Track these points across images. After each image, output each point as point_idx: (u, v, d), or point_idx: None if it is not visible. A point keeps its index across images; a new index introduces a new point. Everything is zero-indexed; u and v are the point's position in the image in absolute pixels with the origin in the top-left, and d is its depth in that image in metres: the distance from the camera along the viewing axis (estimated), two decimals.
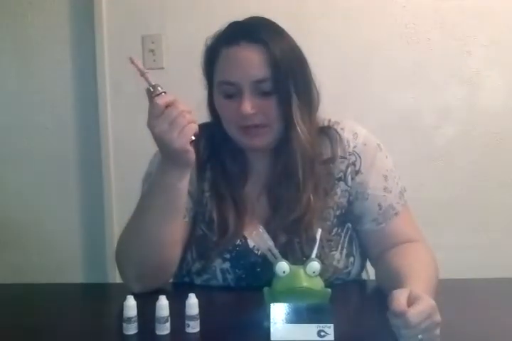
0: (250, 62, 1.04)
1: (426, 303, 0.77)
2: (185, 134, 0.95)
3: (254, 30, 1.06)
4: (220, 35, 1.10)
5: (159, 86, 0.96)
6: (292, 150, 1.07)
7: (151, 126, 0.95)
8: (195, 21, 1.98)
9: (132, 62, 0.97)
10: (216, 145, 1.14)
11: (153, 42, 2.03)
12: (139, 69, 0.97)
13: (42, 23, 2.10)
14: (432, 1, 1.98)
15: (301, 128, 1.06)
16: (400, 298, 0.77)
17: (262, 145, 1.09)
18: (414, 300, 0.77)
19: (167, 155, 0.99)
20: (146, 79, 0.97)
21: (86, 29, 2.05)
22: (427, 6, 1.98)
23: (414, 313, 0.75)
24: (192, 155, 0.99)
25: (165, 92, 0.96)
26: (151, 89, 0.96)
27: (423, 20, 1.98)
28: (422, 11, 1.98)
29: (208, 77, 1.12)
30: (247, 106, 1.03)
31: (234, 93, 1.05)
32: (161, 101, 0.95)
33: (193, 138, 0.97)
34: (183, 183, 1.03)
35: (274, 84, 1.04)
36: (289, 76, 1.05)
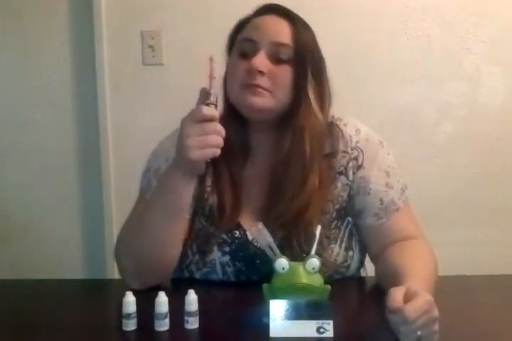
0: (276, 27, 1.08)
1: (423, 299, 0.77)
2: (207, 153, 0.97)
3: (286, 9, 1.11)
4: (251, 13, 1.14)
5: (216, 95, 0.99)
6: (299, 126, 1.07)
7: (185, 125, 0.97)
8: (194, 17, 1.97)
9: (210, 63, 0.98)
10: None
11: (152, 38, 2.03)
12: (210, 73, 0.98)
13: (41, 19, 2.09)
14: None
15: (313, 106, 1.07)
16: (396, 295, 0.77)
17: (260, 106, 1.06)
18: (412, 296, 0.77)
19: (179, 159, 1.00)
20: (210, 84, 0.98)
21: (85, 25, 2.05)
22: (427, 2, 1.98)
23: (411, 309, 0.75)
24: (202, 169, 1.01)
25: (215, 105, 0.98)
26: (209, 95, 0.97)
27: (423, 16, 1.98)
28: (422, 8, 1.98)
29: (231, 47, 1.13)
30: (258, 61, 1.04)
31: (250, 52, 1.06)
32: (207, 112, 0.96)
33: (209, 160, 0.99)
34: (189, 188, 1.03)
35: (294, 53, 1.06)
36: (308, 57, 1.07)
